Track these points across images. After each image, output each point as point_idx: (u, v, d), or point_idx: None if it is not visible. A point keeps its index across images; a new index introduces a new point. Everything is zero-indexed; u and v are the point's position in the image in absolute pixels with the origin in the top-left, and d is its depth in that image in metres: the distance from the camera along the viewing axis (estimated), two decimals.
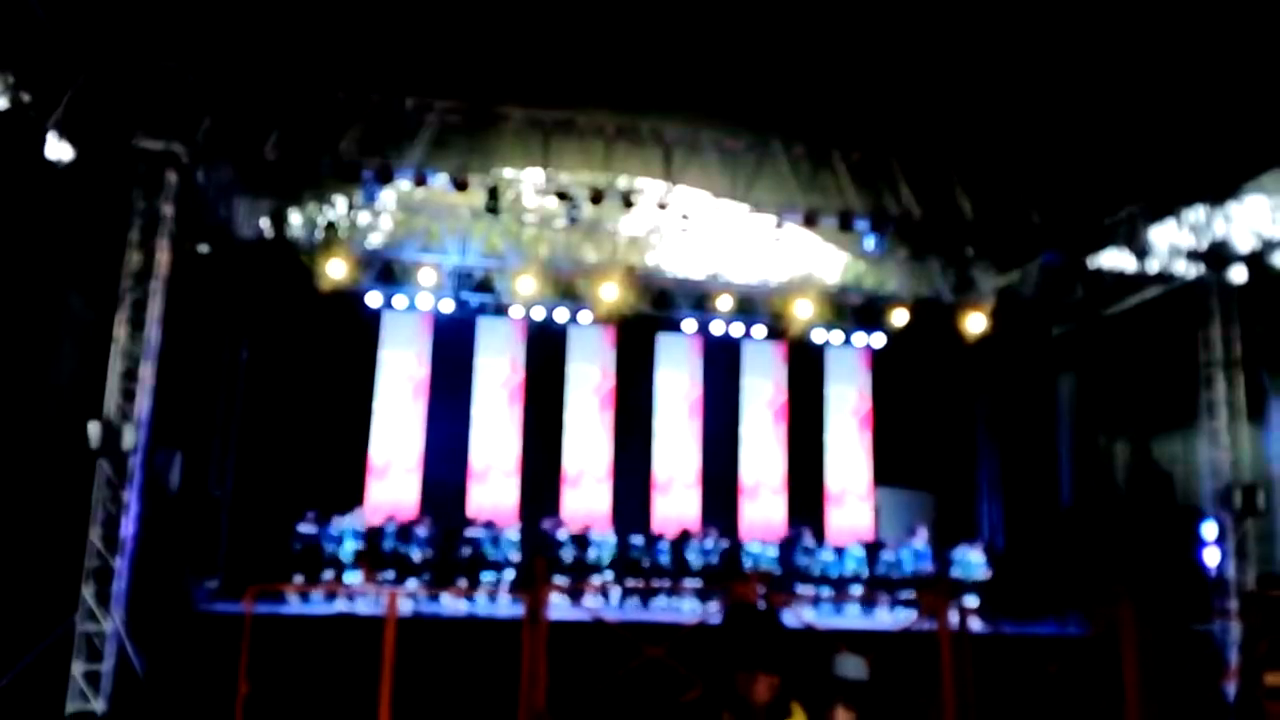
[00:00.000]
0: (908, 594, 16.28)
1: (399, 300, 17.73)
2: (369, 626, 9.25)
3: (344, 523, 15.71)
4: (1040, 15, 14.46)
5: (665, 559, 16.87)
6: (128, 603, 11.56)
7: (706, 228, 16.54)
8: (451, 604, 14.76)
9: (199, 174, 13.10)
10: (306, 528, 15.42)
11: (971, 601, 15.86)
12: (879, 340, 19.48)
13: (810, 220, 14.22)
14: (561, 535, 16.49)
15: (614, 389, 18.83)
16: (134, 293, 12.09)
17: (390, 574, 15.68)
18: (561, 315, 18.34)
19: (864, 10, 15.23)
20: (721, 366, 19.30)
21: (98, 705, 11.03)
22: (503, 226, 16.99)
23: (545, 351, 18.62)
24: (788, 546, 17.50)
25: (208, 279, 15.79)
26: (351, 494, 17.21)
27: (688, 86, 16.97)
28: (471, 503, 17.78)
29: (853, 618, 16.31)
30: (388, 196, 16.26)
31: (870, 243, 14.43)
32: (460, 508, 17.68)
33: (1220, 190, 14.97)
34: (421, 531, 16.01)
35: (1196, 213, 15.10)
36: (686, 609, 15.89)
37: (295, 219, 16.92)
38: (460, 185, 13.33)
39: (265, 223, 16.57)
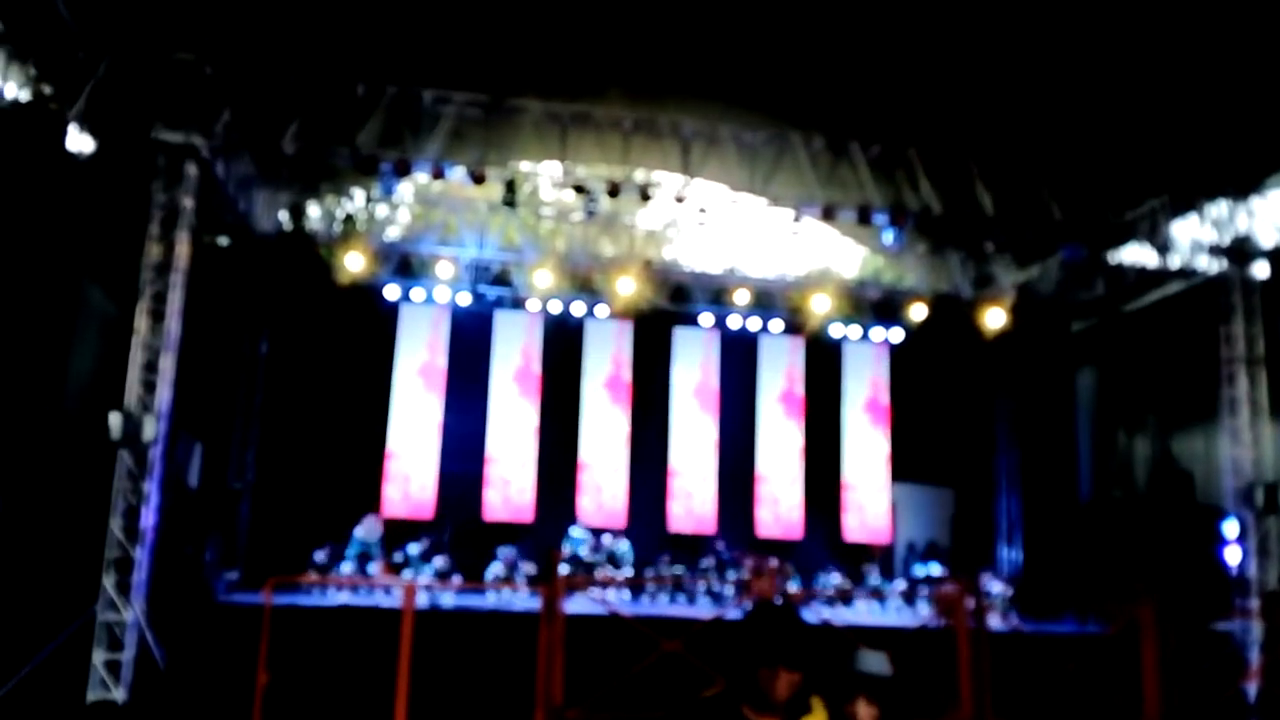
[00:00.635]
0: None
1: (416, 293, 17.79)
2: (387, 618, 9.27)
3: (357, 533, 15.73)
4: (1063, 8, 14.36)
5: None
6: (148, 593, 11.64)
7: (724, 221, 16.49)
8: (469, 597, 14.78)
9: (218, 167, 13.15)
10: (321, 556, 15.50)
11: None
12: (897, 335, 19.39)
13: (829, 214, 14.14)
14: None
15: (630, 383, 18.82)
16: (154, 285, 12.16)
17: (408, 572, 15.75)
18: (578, 309, 18.34)
19: (884, 3, 15.17)
20: (738, 361, 19.24)
21: (118, 694, 11.12)
22: (520, 220, 17.00)
23: (562, 345, 18.62)
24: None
25: (227, 271, 15.87)
26: (369, 486, 17.29)
27: (706, 79, 16.96)
28: (487, 495, 17.82)
29: (870, 614, 16.26)
30: (405, 189, 16.31)
31: (889, 237, 14.34)
32: (476, 501, 17.73)
33: (1243, 184, 14.80)
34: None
35: (1219, 207, 14.94)
36: (703, 605, 15.89)
37: (313, 212, 16.99)
38: (478, 178, 13.32)
39: (284, 215, 16.64)
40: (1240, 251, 14.77)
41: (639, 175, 13.96)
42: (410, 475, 17.63)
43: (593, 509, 18.19)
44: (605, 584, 15.97)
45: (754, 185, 14.37)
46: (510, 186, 13.51)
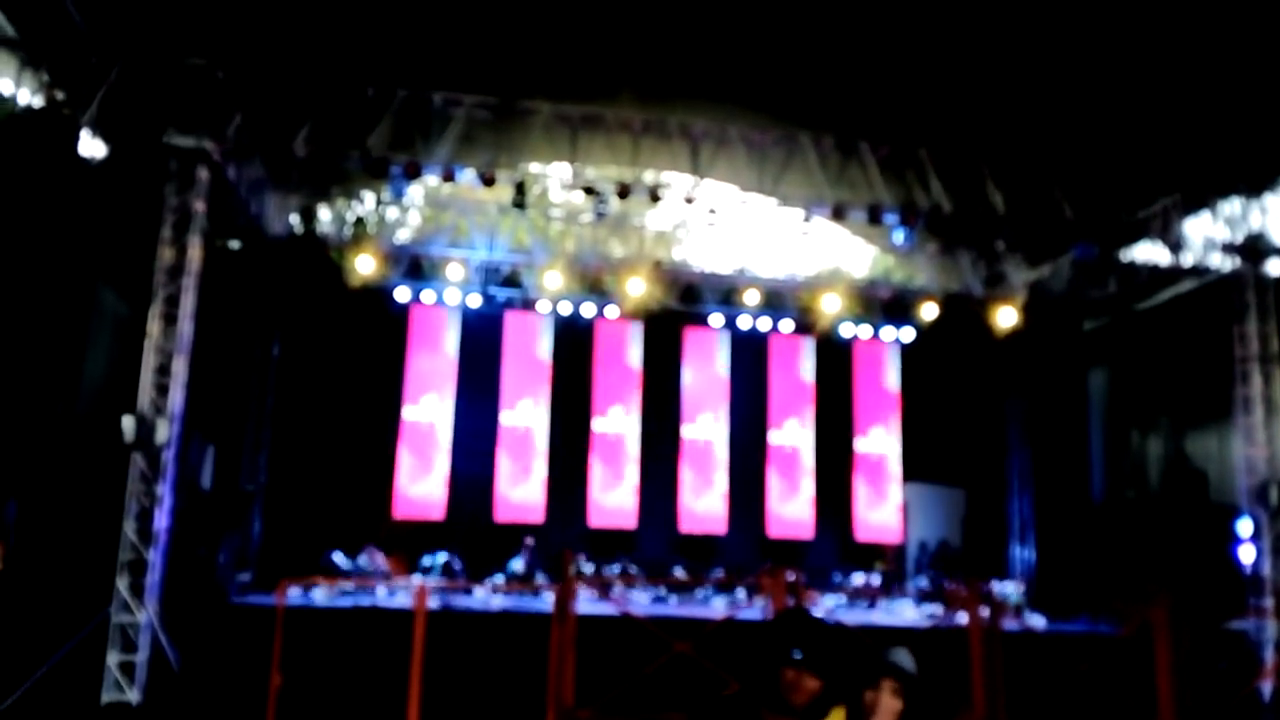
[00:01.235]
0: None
1: (427, 295, 17.83)
2: (399, 619, 9.29)
3: (360, 562, 15.79)
4: (1075, 7, 14.30)
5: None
6: (162, 595, 11.70)
7: (734, 222, 16.48)
8: (481, 598, 14.81)
9: (230, 170, 13.20)
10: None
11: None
12: (908, 335, 19.34)
13: (839, 214, 14.12)
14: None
15: (641, 384, 18.81)
16: (167, 288, 12.21)
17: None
18: (588, 310, 18.35)
19: (894, 2, 15.13)
20: (749, 361, 19.23)
21: (132, 695, 11.17)
22: (530, 221, 17.01)
23: (572, 346, 18.63)
24: None
25: (239, 275, 15.94)
26: (380, 487, 17.33)
27: (715, 80, 16.96)
28: (498, 497, 17.85)
29: (881, 614, 16.22)
30: (415, 192, 16.36)
31: (900, 236, 14.29)
32: (487, 502, 17.76)
33: (1257, 181, 14.72)
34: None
35: (1232, 205, 14.86)
36: (715, 605, 15.88)
37: (324, 215, 17.05)
38: (488, 181, 13.34)
39: (295, 219, 16.70)
40: (1254, 249, 14.69)
41: (648, 176, 13.99)
42: (421, 476, 17.66)
43: (603, 509, 18.20)
44: (617, 584, 15.96)
45: (764, 185, 14.37)
46: (520, 188, 13.53)
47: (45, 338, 13.03)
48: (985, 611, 9.46)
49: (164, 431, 11.73)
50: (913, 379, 19.56)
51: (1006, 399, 19.84)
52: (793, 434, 19.17)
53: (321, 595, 14.35)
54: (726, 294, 18.37)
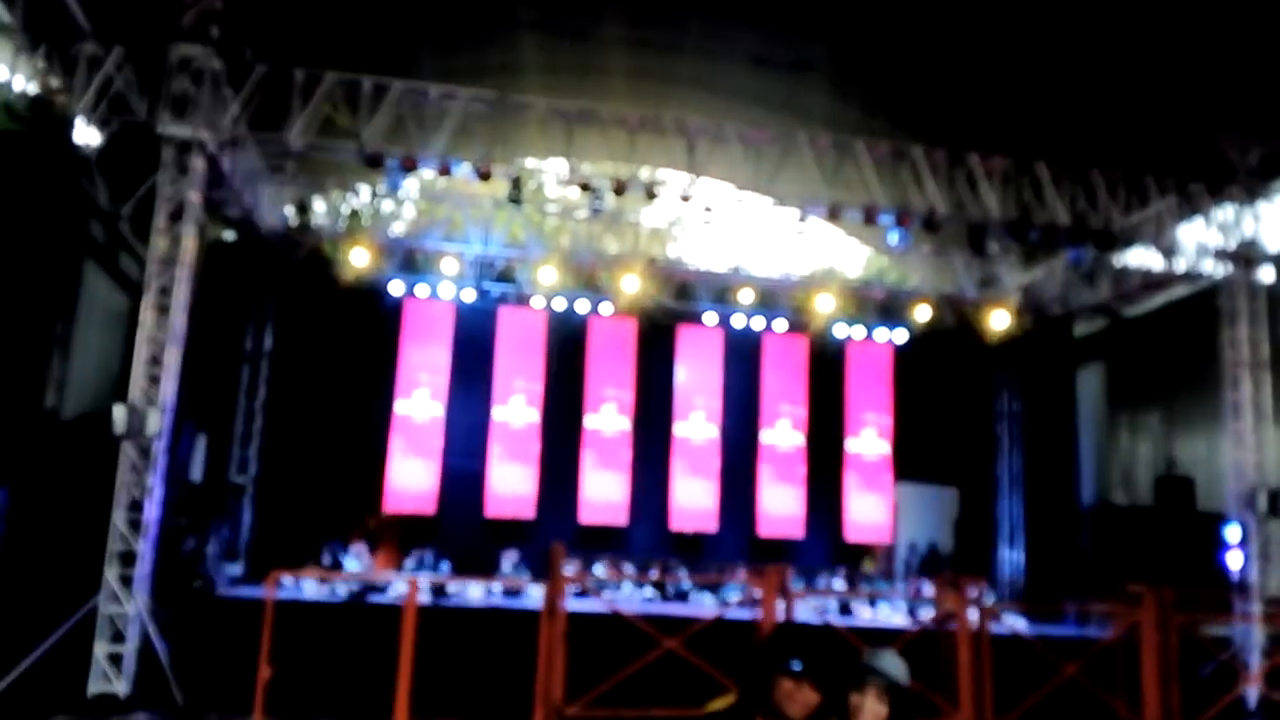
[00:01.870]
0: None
1: (421, 289, 17.80)
2: (389, 614, 9.29)
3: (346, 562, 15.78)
4: (1070, 8, 14.34)
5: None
6: (151, 586, 11.67)
7: (729, 220, 16.49)
8: (471, 593, 14.80)
9: (225, 161, 13.16)
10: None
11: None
12: (901, 336, 19.36)
13: (834, 214, 14.13)
14: None
15: (634, 381, 18.82)
16: (160, 278, 12.16)
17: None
18: (583, 306, 18.34)
19: (887, 1, 15.15)
20: (742, 360, 19.25)
21: (120, 686, 11.14)
22: (525, 217, 17.02)
23: (566, 342, 18.62)
24: None
25: (233, 266, 15.91)
26: (372, 481, 17.32)
27: (712, 77, 16.97)
28: (490, 492, 17.85)
29: (871, 616, 16.26)
30: (410, 185, 16.30)
31: (894, 237, 14.31)
32: (479, 497, 17.77)
33: (1250, 188, 14.78)
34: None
35: (1225, 211, 14.91)
36: (705, 603, 15.90)
37: (319, 207, 17.02)
38: (484, 175, 13.32)
39: (289, 210, 16.67)
40: (1246, 256, 14.75)
41: (644, 173, 13.97)
42: (413, 471, 17.65)
43: (594, 506, 18.22)
44: (607, 581, 15.98)
45: (759, 184, 14.36)
46: (516, 183, 13.50)
47: (37, 327, 12.98)
48: (973, 614, 9.50)
49: (155, 422, 11.69)
50: (906, 380, 19.60)
51: (997, 400, 19.92)
52: (785, 433, 19.20)
53: (311, 588, 14.33)
54: (721, 292, 18.39)
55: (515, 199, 13.68)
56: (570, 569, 15.58)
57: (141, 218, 13.03)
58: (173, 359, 12.06)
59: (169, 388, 11.99)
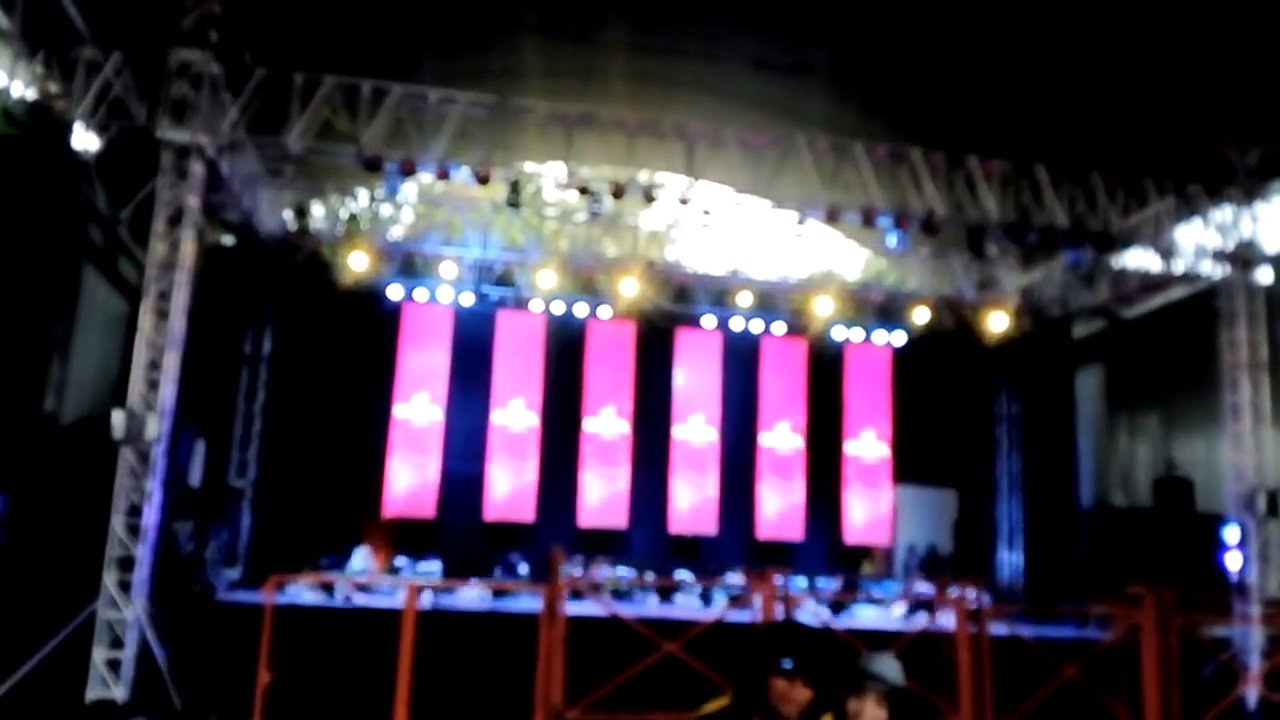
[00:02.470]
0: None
1: (420, 293, 17.81)
2: (388, 619, 9.29)
3: (353, 563, 15.77)
4: (1068, 9, 14.36)
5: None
6: (150, 590, 11.66)
7: (727, 223, 16.49)
8: (470, 598, 14.80)
9: (224, 165, 13.16)
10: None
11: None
12: (900, 338, 19.36)
13: (833, 216, 14.13)
14: None
15: (633, 384, 18.82)
16: (159, 283, 12.14)
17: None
18: (581, 310, 18.35)
19: (886, 3, 15.17)
20: (741, 363, 19.25)
21: (118, 692, 11.12)
22: (524, 220, 17.02)
23: (565, 346, 18.63)
24: None
25: (231, 270, 15.90)
26: (371, 485, 17.31)
27: (711, 80, 16.97)
28: (489, 495, 17.84)
29: (868, 618, 16.25)
30: (409, 189, 16.31)
31: (893, 239, 14.31)
32: (478, 501, 17.76)
33: (1248, 189, 14.79)
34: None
35: (1224, 212, 14.92)
36: (704, 607, 15.89)
37: (318, 211, 17.02)
38: (483, 179, 13.31)
39: (288, 215, 16.67)
40: (1244, 257, 14.75)
41: (643, 176, 13.96)
42: (412, 474, 17.65)
43: (594, 509, 18.21)
44: (606, 585, 15.97)
45: (758, 187, 14.37)
46: (515, 187, 13.50)
47: (36, 331, 12.97)
48: (972, 616, 9.51)
49: (154, 427, 11.67)
50: (904, 382, 19.61)
51: (996, 402, 19.93)
52: (784, 436, 19.21)
53: (310, 593, 14.32)
54: (720, 295, 18.40)
55: (514, 203, 13.67)
56: (569, 572, 15.59)
57: (140, 222, 13.01)
58: (172, 363, 12.05)
59: (168, 392, 11.97)
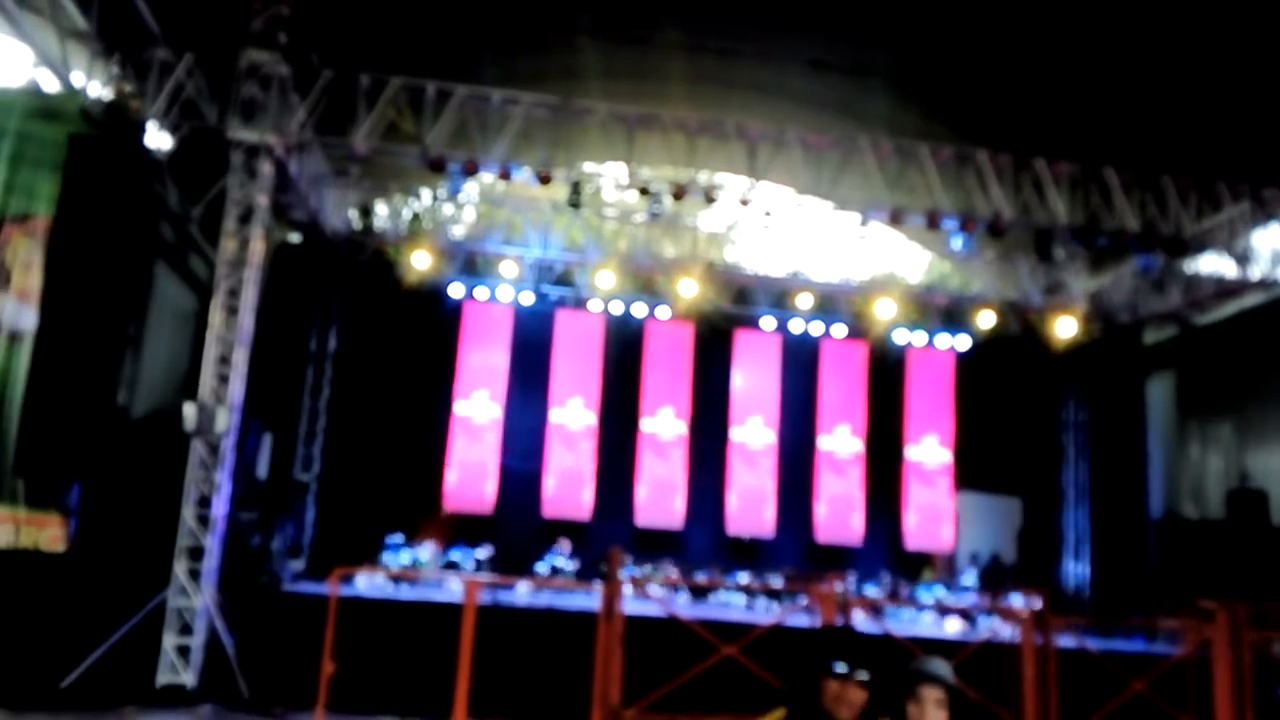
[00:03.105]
0: None
1: (480, 292, 17.97)
2: (449, 613, 9.37)
3: (419, 555, 15.94)
4: (1145, 13, 14.03)
5: None
6: (218, 580, 11.92)
7: (788, 224, 16.39)
8: (526, 593, 14.88)
9: (292, 165, 13.42)
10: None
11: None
12: (964, 342, 19.05)
13: (896, 219, 13.99)
14: None
15: (691, 386, 18.78)
16: (229, 280, 12.44)
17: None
18: (640, 310, 18.37)
19: (952, 5, 14.95)
20: (800, 366, 19.10)
21: (188, 678, 11.40)
22: (584, 220, 17.08)
23: (623, 346, 18.66)
24: None
25: (299, 267, 16.20)
26: (431, 480, 17.50)
27: (772, 81, 16.87)
28: (546, 493, 17.93)
29: (931, 627, 16.02)
30: (471, 189, 16.47)
31: (958, 242, 14.11)
32: (535, 498, 17.86)
33: None
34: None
35: None
36: (762, 610, 15.80)
37: (382, 210, 17.27)
38: (544, 179, 13.42)
39: (353, 214, 16.94)
40: None
41: (704, 177, 13.93)
42: (472, 471, 17.81)
43: (650, 509, 18.21)
44: (664, 585, 15.94)
45: (820, 188, 14.25)
46: (576, 188, 13.58)
47: (110, 326, 13.31)
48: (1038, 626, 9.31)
49: (224, 420, 11.95)
50: (968, 387, 19.29)
51: (1063, 409, 19.51)
52: (843, 440, 19.02)
53: (373, 585, 14.52)
54: (779, 297, 18.29)
55: (574, 203, 13.76)
56: (626, 572, 15.59)
57: (211, 220, 13.33)
58: (241, 358, 12.33)
59: (237, 386, 12.25)
